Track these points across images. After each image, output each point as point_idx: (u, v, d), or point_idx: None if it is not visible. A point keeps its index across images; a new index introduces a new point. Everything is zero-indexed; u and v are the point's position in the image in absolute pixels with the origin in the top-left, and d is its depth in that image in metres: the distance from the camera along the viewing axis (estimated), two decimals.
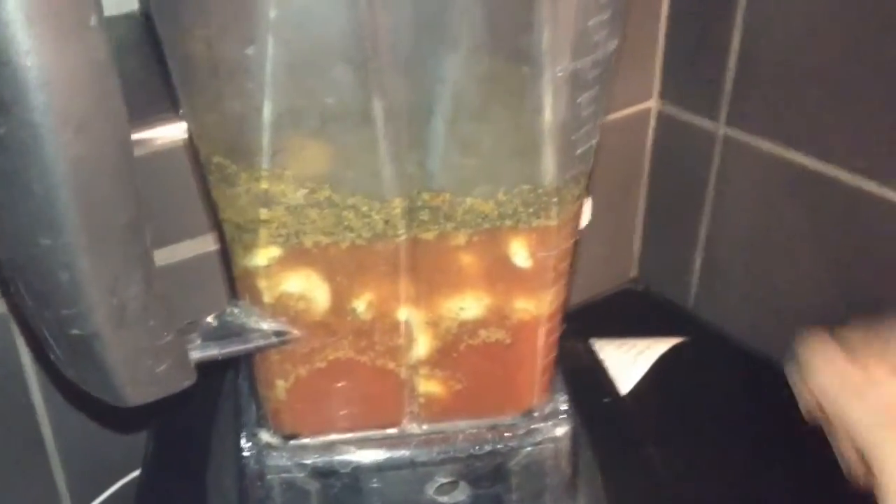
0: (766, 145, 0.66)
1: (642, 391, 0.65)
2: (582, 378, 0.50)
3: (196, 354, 0.36)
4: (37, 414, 0.54)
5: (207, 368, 0.37)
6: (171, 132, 0.51)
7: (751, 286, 0.72)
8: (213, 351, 0.37)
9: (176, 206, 0.53)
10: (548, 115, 0.34)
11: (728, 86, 0.67)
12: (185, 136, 0.50)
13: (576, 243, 0.39)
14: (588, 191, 0.38)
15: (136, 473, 0.54)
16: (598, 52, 0.34)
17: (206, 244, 0.55)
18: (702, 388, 0.68)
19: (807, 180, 0.64)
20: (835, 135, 0.61)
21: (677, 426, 0.63)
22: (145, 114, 0.50)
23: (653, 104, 0.74)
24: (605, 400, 0.54)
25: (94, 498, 0.57)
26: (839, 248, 0.63)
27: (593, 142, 0.36)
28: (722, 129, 0.69)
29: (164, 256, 0.53)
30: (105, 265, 0.30)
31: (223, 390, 0.50)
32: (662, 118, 0.74)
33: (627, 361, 0.69)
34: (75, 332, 0.30)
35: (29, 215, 0.28)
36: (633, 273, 0.83)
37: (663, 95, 0.73)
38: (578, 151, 0.36)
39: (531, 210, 0.37)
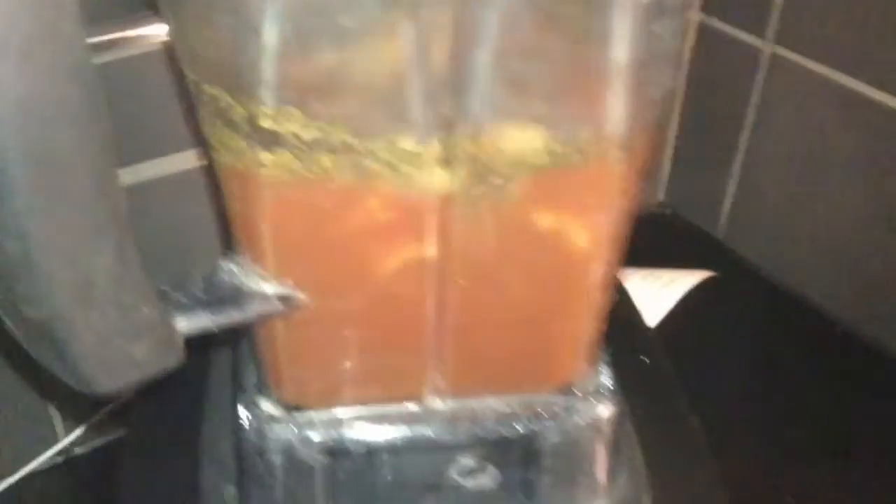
0: (816, 67, 0.61)
1: (670, 326, 0.61)
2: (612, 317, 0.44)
3: (184, 327, 0.30)
4: None
5: None
6: (155, 31, 0.45)
7: (787, 217, 0.68)
8: (205, 322, 0.30)
9: (164, 113, 0.47)
10: (619, 49, 0.27)
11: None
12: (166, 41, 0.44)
13: (634, 206, 0.33)
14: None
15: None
16: None
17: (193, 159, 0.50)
18: (730, 326, 0.65)
19: (857, 107, 0.59)
20: (891, 60, 0.57)
21: (706, 365, 0.60)
22: (126, 8, 0.44)
23: (694, 16, 0.68)
24: (643, 358, 0.48)
25: (85, 419, 0.55)
26: (887, 180, 0.59)
27: (671, 83, 0.30)
28: (769, 48, 0.64)
29: (146, 171, 0.48)
30: (65, 234, 0.23)
31: (219, 344, 0.44)
32: (704, 32, 0.69)
33: (653, 294, 0.66)
34: (31, 313, 0.24)
35: None
36: (661, 197, 0.79)
37: (706, 7, 0.68)
38: (652, 97, 0.29)
39: (590, 164, 0.30)
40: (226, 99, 0.29)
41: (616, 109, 0.29)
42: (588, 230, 0.32)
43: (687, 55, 0.70)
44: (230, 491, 0.39)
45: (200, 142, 0.44)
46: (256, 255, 0.32)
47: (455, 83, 0.28)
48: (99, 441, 0.56)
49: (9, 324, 0.26)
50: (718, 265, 0.68)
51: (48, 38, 0.21)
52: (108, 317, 0.26)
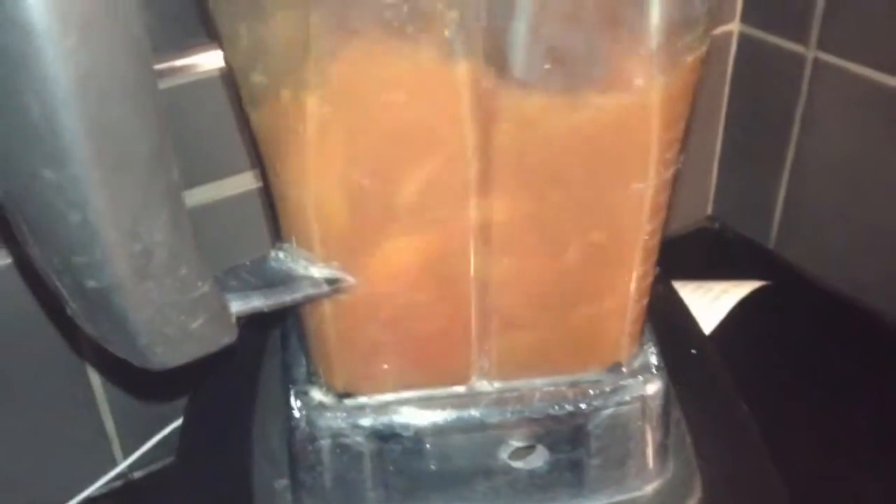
0: (860, 70, 0.61)
1: (722, 338, 0.60)
2: (664, 321, 0.44)
3: (237, 307, 0.31)
4: (85, 360, 0.51)
5: (253, 320, 0.33)
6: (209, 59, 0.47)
7: (839, 225, 0.67)
8: (257, 303, 0.32)
9: (217, 139, 0.49)
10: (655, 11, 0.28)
11: (819, 4, 0.62)
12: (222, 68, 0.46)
13: (675, 175, 0.33)
14: None
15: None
16: None
17: (250, 181, 0.51)
18: (784, 335, 0.64)
19: None
20: None
21: (762, 375, 0.59)
22: (178, 40, 0.47)
23: (735, 27, 0.69)
24: (692, 351, 0.48)
25: (142, 443, 0.54)
26: None
27: (704, 49, 0.30)
28: (812, 53, 0.64)
29: (204, 195, 0.50)
30: (123, 204, 0.25)
31: (268, 343, 0.46)
32: (745, 42, 0.69)
33: (702, 306, 0.65)
34: (91, 284, 0.26)
35: (26, 141, 0.23)
36: (709, 210, 0.78)
37: (746, 17, 0.68)
38: (689, 59, 0.30)
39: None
40: (269, 84, 0.30)
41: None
42: (629, 201, 0.33)
43: (730, 67, 0.71)
44: (282, 483, 0.40)
45: (256, 163, 0.46)
46: (303, 239, 0.33)
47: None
48: (159, 465, 0.55)
49: (66, 297, 0.27)
50: (772, 275, 0.67)
51: (106, 14, 0.23)
52: (165, 289, 0.27)
